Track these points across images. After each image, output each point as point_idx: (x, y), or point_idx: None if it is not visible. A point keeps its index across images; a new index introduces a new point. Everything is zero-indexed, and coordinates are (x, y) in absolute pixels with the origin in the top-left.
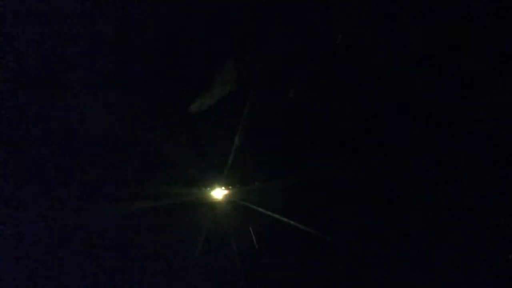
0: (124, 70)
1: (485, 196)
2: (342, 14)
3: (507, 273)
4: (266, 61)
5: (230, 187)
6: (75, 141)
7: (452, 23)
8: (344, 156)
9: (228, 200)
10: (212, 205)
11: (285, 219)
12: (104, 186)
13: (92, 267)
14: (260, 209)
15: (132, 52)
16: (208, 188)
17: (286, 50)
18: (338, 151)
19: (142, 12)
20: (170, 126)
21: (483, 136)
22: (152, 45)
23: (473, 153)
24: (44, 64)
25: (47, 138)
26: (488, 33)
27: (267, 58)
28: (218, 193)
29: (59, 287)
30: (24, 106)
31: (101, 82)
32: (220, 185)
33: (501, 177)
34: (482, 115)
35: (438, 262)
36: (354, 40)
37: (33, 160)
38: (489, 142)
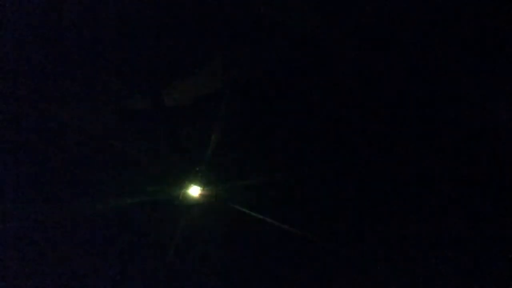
0: (98, 66)
1: (485, 196)
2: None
3: (507, 273)
4: (247, 59)
5: (208, 185)
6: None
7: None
8: (329, 154)
9: (205, 199)
10: (188, 204)
11: (263, 217)
12: (69, 184)
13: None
14: (239, 208)
15: (112, 48)
16: (184, 186)
17: (268, 48)
18: (322, 149)
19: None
20: (142, 119)
21: (482, 135)
22: (132, 39)
23: (472, 153)
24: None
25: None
26: (488, 33)
27: (250, 56)
28: (195, 191)
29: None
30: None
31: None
32: (197, 183)
33: (501, 176)
34: (481, 114)
35: (436, 263)
36: (336, 38)
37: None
38: (489, 141)
